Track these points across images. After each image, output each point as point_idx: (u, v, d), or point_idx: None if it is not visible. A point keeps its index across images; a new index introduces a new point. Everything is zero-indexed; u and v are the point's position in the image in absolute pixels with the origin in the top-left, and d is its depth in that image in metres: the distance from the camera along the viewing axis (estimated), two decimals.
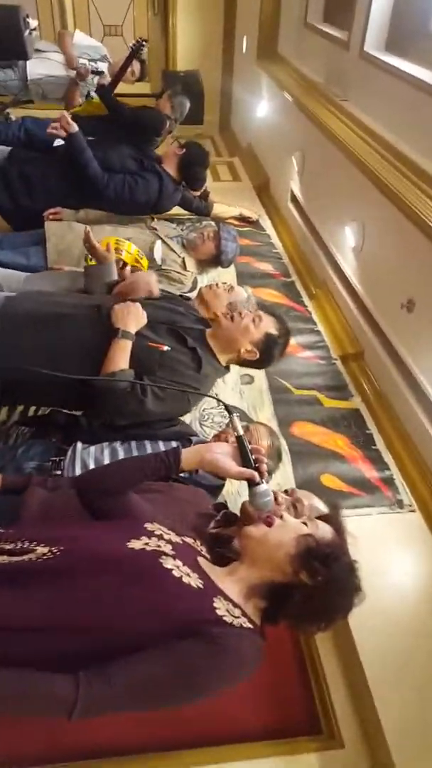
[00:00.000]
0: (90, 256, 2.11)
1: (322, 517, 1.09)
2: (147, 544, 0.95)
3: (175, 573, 0.91)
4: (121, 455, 1.56)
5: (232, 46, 5.30)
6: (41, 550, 0.94)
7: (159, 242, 2.84)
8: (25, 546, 0.96)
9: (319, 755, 1.61)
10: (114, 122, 3.58)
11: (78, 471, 1.51)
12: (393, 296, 2.38)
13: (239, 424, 1.10)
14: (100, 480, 1.10)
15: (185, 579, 0.91)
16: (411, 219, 2.12)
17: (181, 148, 3.03)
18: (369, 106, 2.88)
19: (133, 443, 1.59)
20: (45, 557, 0.92)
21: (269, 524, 1.00)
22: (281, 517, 1.03)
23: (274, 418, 2.48)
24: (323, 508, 1.30)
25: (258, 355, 1.70)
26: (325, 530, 1.03)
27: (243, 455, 1.06)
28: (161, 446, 1.61)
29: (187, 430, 1.77)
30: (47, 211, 2.89)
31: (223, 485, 1.58)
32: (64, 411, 1.84)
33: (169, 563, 0.92)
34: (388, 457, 2.34)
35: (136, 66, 3.84)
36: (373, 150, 2.56)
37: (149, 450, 1.59)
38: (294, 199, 3.79)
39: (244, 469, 1.05)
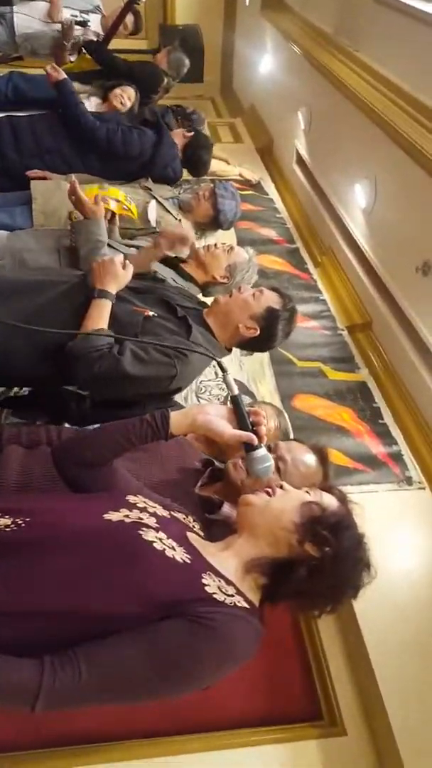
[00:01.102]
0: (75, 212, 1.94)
1: (322, 488, 0.99)
2: (127, 516, 0.84)
3: (157, 546, 0.80)
4: None
5: None
6: (4, 521, 0.82)
7: (153, 202, 2.65)
8: None
9: (320, 742, 1.54)
10: (108, 78, 3.36)
11: None
12: (407, 259, 2.22)
13: (234, 383, 0.97)
14: (80, 450, 0.97)
15: (169, 552, 0.80)
16: (429, 171, 1.94)
17: (189, 132, 2.86)
18: (383, 53, 2.66)
19: None
20: (8, 529, 0.81)
21: (271, 494, 0.90)
22: (281, 486, 0.92)
23: (276, 392, 2.34)
24: (310, 462, 1.21)
25: (258, 332, 1.54)
26: (330, 498, 0.94)
27: (239, 417, 0.95)
28: None
29: None
30: (32, 171, 2.68)
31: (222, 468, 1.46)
32: (50, 392, 1.69)
33: (150, 535, 0.81)
34: (396, 432, 2.22)
35: (129, 19, 3.58)
36: (388, 99, 2.37)
37: None
38: (299, 160, 3.59)
39: (240, 432, 0.93)
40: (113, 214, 2.08)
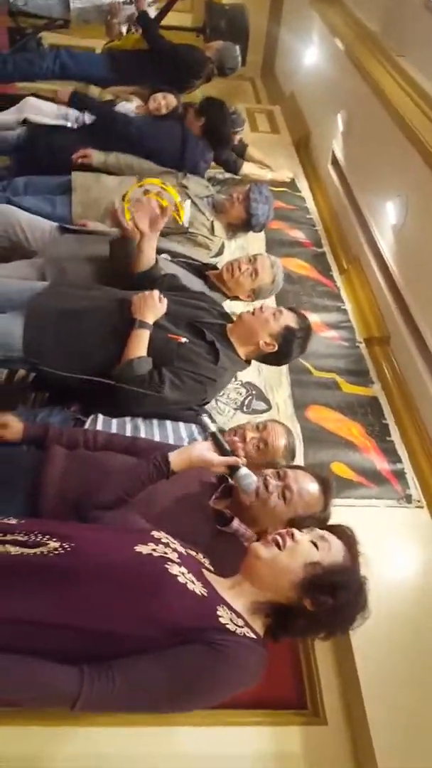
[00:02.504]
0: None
1: (331, 528, 1.08)
2: (154, 549, 0.97)
3: (181, 579, 0.92)
4: (143, 433, 1.58)
5: None
6: (53, 544, 0.95)
7: (188, 202, 2.71)
8: (38, 539, 0.97)
9: (302, 729, 1.69)
10: (153, 59, 3.37)
11: None
12: (429, 283, 2.27)
13: (210, 423, 1.24)
14: (99, 496, 1.13)
15: (190, 586, 0.93)
16: None
17: (198, 117, 2.87)
18: (428, 65, 2.64)
19: (155, 421, 1.62)
20: (56, 552, 0.94)
21: (279, 545, 0.99)
22: (293, 536, 1.01)
23: (291, 400, 2.43)
24: (314, 491, 1.31)
25: (276, 348, 1.74)
26: (336, 550, 1.01)
27: (221, 448, 1.20)
28: (181, 427, 1.63)
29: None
30: (77, 153, 2.76)
31: None
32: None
33: (174, 569, 0.94)
34: (401, 450, 2.30)
35: None
36: (427, 119, 2.37)
37: (170, 430, 1.60)
38: (335, 161, 3.57)
39: (225, 458, 1.17)
40: (163, 209, 2.12)
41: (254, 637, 0.94)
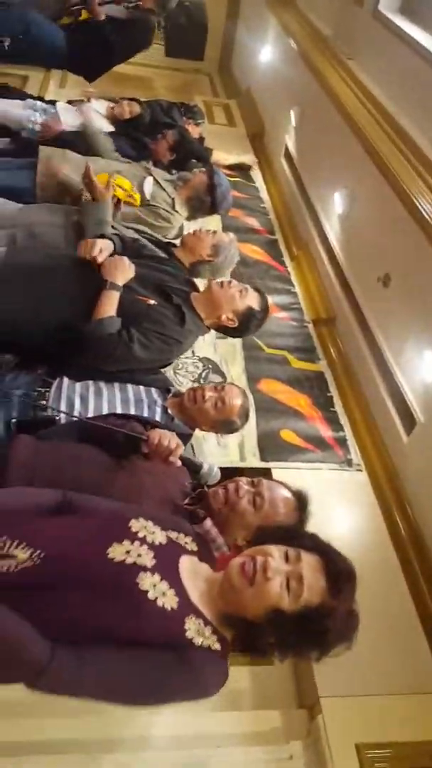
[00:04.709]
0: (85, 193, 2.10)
1: (316, 549, 0.99)
2: (128, 552, 0.95)
3: (150, 594, 0.92)
4: (105, 394, 1.63)
5: None
6: (21, 555, 0.93)
7: (150, 178, 2.78)
8: (5, 549, 0.94)
9: (251, 668, 1.82)
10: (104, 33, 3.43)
11: (63, 406, 1.56)
12: (371, 269, 2.48)
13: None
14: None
15: (160, 601, 0.92)
16: (399, 195, 2.18)
17: (170, 152, 2.96)
18: (374, 69, 2.85)
19: (117, 384, 1.67)
20: (24, 565, 0.92)
21: (251, 582, 0.95)
22: (266, 570, 0.95)
23: (245, 374, 2.59)
24: (287, 505, 1.28)
25: (236, 324, 1.83)
26: (312, 592, 0.94)
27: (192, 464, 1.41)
28: (142, 391, 1.69)
29: (166, 381, 1.86)
30: None
31: (191, 434, 1.70)
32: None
33: (146, 582, 0.92)
34: (344, 419, 2.50)
35: None
36: (372, 117, 2.57)
37: (131, 394, 1.66)
38: (287, 154, 3.76)
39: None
40: (119, 200, 2.23)
41: (218, 648, 0.94)
